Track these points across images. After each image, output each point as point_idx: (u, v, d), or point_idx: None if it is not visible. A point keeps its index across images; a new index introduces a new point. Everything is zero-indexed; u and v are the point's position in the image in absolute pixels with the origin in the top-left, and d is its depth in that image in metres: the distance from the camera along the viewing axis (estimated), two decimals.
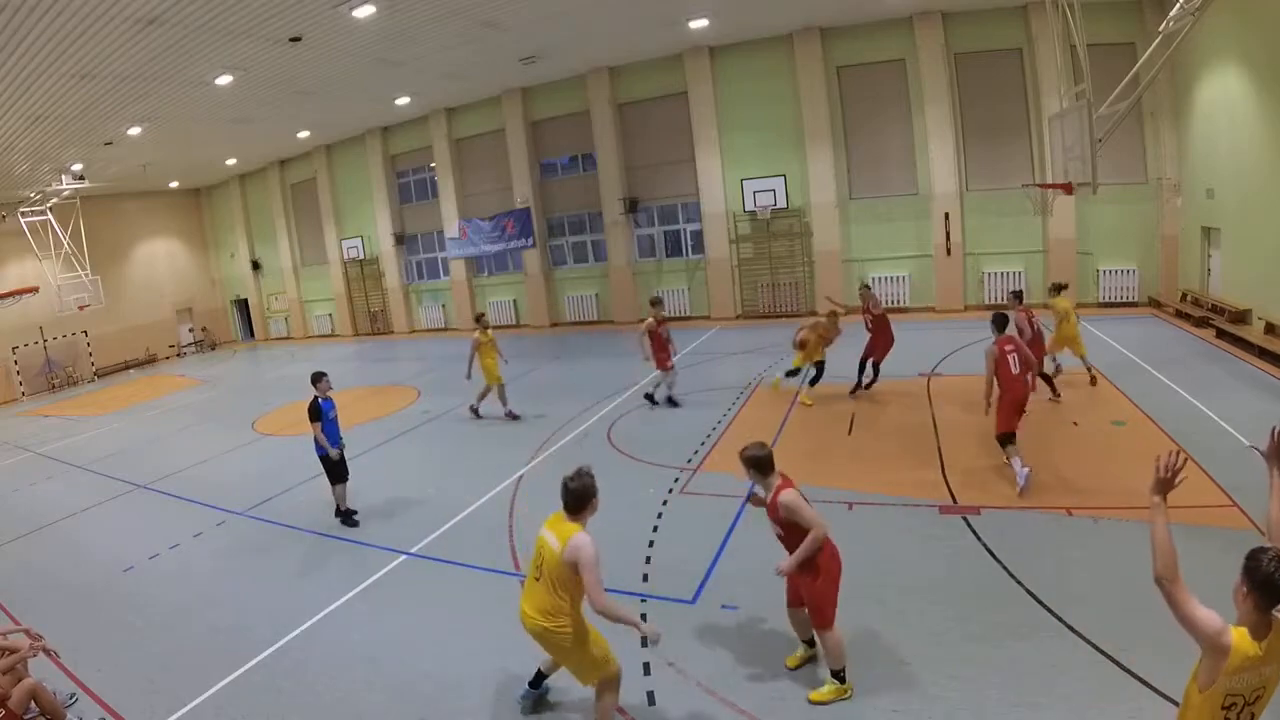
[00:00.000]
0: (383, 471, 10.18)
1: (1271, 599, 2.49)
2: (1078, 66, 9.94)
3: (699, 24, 16.54)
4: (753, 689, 4.70)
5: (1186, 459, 2.79)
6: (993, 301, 16.75)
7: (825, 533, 4.27)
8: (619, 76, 20.35)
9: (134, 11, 10.47)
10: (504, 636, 5.03)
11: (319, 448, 8.17)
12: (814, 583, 4.41)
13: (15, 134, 15.66)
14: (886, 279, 18.06)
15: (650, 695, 4.73)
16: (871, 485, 7.72)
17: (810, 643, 4.82)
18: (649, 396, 12.05)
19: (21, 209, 20.69)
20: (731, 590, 5.91)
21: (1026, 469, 7.18)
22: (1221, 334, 12.54)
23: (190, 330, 29.63)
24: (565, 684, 4.75)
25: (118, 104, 14.99)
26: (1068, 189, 10.80)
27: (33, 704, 4.77)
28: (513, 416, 12.08)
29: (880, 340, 10.86)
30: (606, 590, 3.97)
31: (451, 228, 23.49)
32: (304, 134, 23.50)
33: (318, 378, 8.24)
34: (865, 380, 11.07)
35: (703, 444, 9.78)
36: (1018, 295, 10.00)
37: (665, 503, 7.98)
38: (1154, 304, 15.87)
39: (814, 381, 11.15)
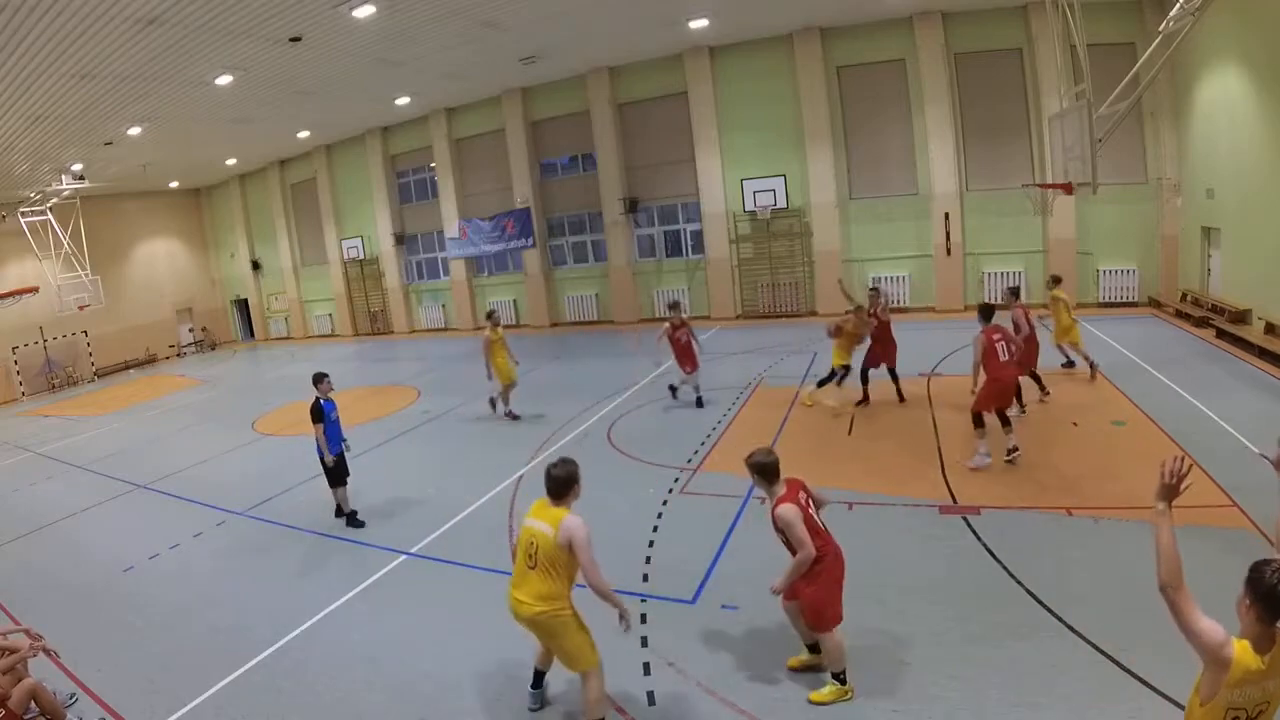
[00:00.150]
0: (383, 471, 10.18)
1: (1275, 612, 2.45)
2: (1078, 66, 9.94)
3: (699, 24, 16.54)
4: (753, 689, 4.70)
5: (1191, 465, 2.76)
6: (993, 302, 16.72)
7: (812, 555, 4.30)
8: (619, 76, 20.35)
9: (134, 11, 10.47)
10: (504, 637, 5.03)
11: (320, 450, 8.17)
12: (808, 589, 4.42)
13: (15, 134, 15.66)
14: (886, 279, 18.05)
15: (650, 695, 4.73)
16: (871, 485, 7.71)
17: (814, 649, 4.77)
18: (672, 387, 12.03)
19: (21, 209, 20.69)
20: (731, 590, 5.90)
21: (988, 459, 7.71)
22: (1221, 334, 12.54)
23: (190, 330, 29.63)
24: (565, 685, 4.76)
25: (118, 104, 14.99)
26: (1068, 189, 10.80)
27: (33, 704, 4.77)
28: (513, 416, 12.09)
29: (883, 349, 10.46)
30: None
31: (451, 228, 23.49)
32: (304, 134, 23.50)
33: (319, 379, 8.24)
34: (867, 388, 10.59)
35: (703, 444, 9.78)
36: (1014, 291, 10.16)
37: (665, 503, 7.97)
38: (1154, 304, 15.87)
39: (823, 383, 10.81)
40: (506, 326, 22.70)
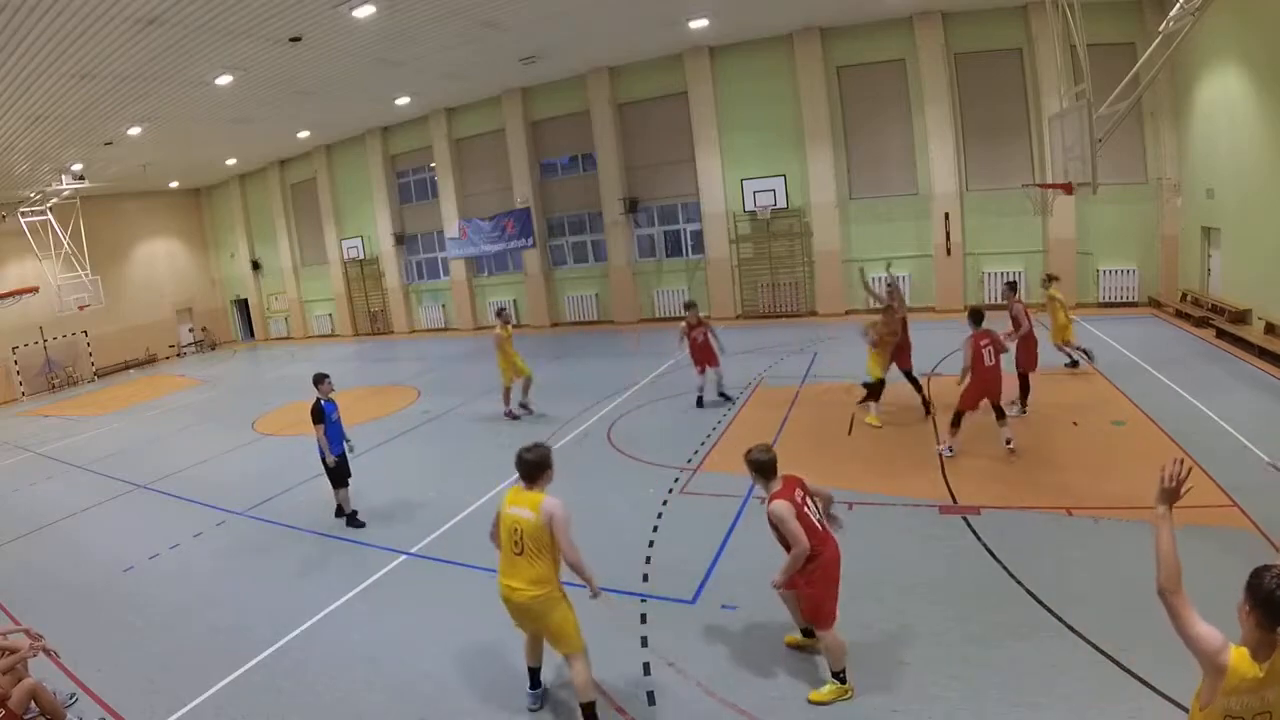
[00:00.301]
0: (383, 471, 10.18)
1: (1274, 618, 2.43)
2: (1078, 66, 9.94)
3: (699, 24, 16.54)
4: (753, 689, 4.70)
5: (1191, 468, 2.76)
6: (993, 301, 16.73)
7: (806, 550, 4.33)
8: (619, 76, 20.34)
9: (134, 11, 10.47)
10: (504, 637, 5.03)
11: (322, 451, 8.16)
12: (807, 588, 4.46)
13: (15, 134, 15.65)
14: (886, 279, 18.01)
15: (650, 695, 4.73)
16: (871, 485, 7.72)
17: (809, 632, 4.87)
18: (724, 395, 11.66)
19: (21, 209, 20.68)
20: (731, 590, 5.90)
21: (951, 452, 8.26)
22: (1221, 334, 12.54)
23: (190, 330, 29.62)
24: (565, 688, 4.76)
25: (118, 104, 14.99)
26: (1068, 189, 10.80)
27: (33, 704, 4.77)
28: (512, 417, 12.09)
29: (898, 350, 9.91)
30: (601, 587, 4.21)
31: (451, 228, 23.49)
32: (304, 134, 23.50)
33: (319, 379, 8.23)
34: (923, 393, 10.03)
35: (703, 444, 9.78)
36: (1012, 286, 10.23)
37: (665, 503, 7.98)
38: (1154, 304, 15.86)
39: (867, 398, 10.09)
40: None
